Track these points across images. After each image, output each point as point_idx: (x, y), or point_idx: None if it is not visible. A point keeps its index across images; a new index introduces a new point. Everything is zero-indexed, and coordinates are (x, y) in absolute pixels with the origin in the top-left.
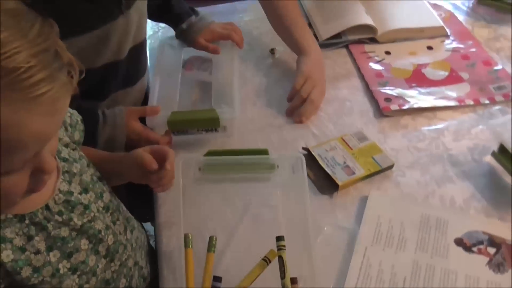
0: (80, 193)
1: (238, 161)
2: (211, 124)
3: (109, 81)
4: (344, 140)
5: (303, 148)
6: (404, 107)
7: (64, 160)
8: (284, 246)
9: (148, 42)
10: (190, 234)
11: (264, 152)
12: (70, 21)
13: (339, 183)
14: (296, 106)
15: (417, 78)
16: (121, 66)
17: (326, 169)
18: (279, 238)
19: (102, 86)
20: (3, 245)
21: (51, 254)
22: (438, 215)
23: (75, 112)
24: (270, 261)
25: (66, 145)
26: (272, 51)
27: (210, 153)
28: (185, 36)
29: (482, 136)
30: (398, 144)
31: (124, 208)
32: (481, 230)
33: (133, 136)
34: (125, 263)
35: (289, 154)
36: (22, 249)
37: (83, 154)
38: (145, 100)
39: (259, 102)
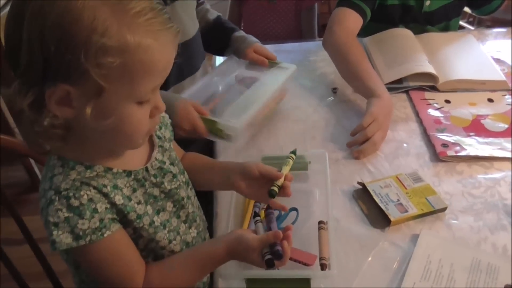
0: (170, 164)
1: None
2: None
3: None
4: (399, 179)
5: (358, 183)
6: (461, 154)
7: (159, 137)
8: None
9: None
10: None
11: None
12: None
13: (392, 218)
14: (358, 142)
15: (476, 128)
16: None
17: (380, 204)
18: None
19: None
20: (116, 191)
21: (147, 207)
22: (490, 261)
23: (166, 115)
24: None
25: (159, 127)
26: (334, 90)
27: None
28: (238, 44)
29: None
30: (453, 189)
31: None
32: None
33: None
34: (200, 234)
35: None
36: (129, 198)
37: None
38: None
39: (318, 137)
